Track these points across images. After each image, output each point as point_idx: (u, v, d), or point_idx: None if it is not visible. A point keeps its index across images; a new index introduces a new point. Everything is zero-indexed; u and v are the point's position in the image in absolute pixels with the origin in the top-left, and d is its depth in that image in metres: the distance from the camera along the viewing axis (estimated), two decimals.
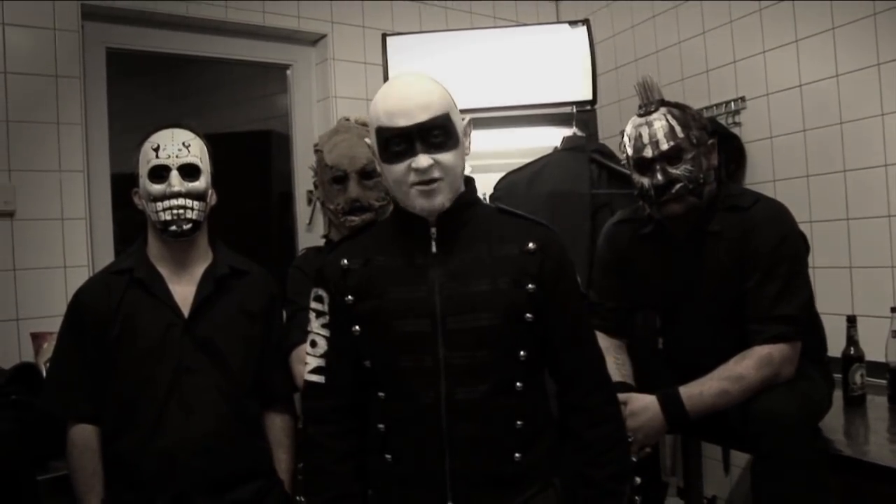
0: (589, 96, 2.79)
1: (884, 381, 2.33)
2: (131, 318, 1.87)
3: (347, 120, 2.26)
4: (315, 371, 1.61)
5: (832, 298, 2.65)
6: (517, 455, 1.50)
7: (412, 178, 1.47)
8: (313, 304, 1.62)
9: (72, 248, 2.74)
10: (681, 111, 1.99)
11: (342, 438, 1.60)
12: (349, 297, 1.55)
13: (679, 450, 2.79)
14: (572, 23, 2.87)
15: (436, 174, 1.47)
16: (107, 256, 2.79)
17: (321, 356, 1.61)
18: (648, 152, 1.96)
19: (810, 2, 2.75)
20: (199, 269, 1.97)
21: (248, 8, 3.16)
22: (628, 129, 2.03)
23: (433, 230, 1.54)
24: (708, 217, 2.00)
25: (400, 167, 1.48)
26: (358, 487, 1.59)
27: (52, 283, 2.67)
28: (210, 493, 1.81)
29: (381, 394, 1.55)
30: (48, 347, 2.32)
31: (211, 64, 3.34)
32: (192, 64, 3.31)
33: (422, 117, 1.46)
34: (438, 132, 1.48)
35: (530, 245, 1.53)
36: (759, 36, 2.96)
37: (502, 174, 2.64)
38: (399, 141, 1.47)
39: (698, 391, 1.86)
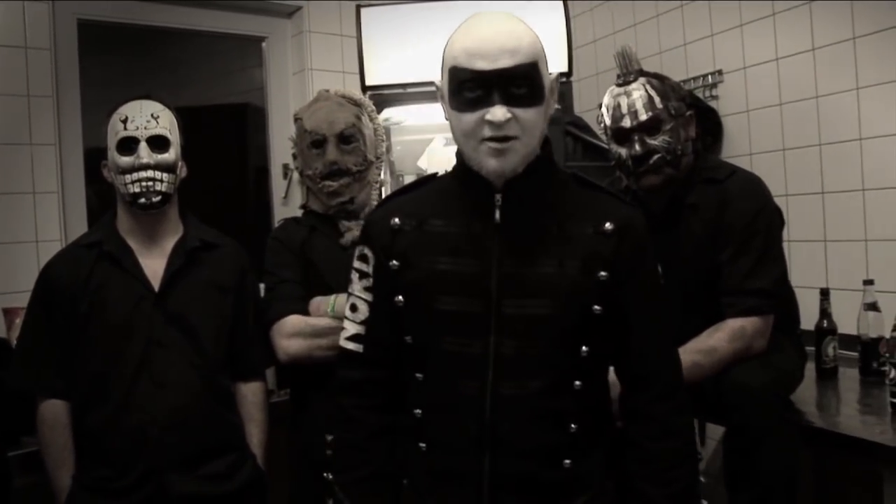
0: (564, 68, 2.76)
1: (855, 354, 2.35)
2: (101, 291, 1.84)
3: (327, 91, 2.26)
4: (353, 339, 1.46)
5: (806, 272, 2.67)
6: (567, 462, 1.33)
7: (484, 132, 1.27)
8: (357, 264, 1.47)
9: (44, 223, 2.71)
10: (660, 81, 1.97)
11: (378, 412, 1.45)
12: (394, 262, 1.38)
13: None
14: None
15: (512, 131, 1.27)
16: (80, 231, 2.71)
17: (361, 322, 1.45)
18: (627, 122, 1.94)
19: None
20: (169, 243, 1.94)
21: None
22: (606, 99, 2.01)
23: (498, 196, 1.34)
24: (685, 190, 1.99)
25: (471, 117, 1.28)
26: (392, 467, 1.44)
27: (25, 257, 2.64)
28: (182, 468, 1.80)
29: (419, 375, 1.39)
30: (20, 322, 2.29)
31: (185, 37, 3.28)
32: (167, 37, 3.25)
33: (506, 62, 1.26)
34: (522, 83, 1.28)
35: (607, 225, 1.34)
36: (737, 9, 2.95)
37: None
38: (475, 86, 1.27)
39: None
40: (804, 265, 2.68)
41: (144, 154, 1.83)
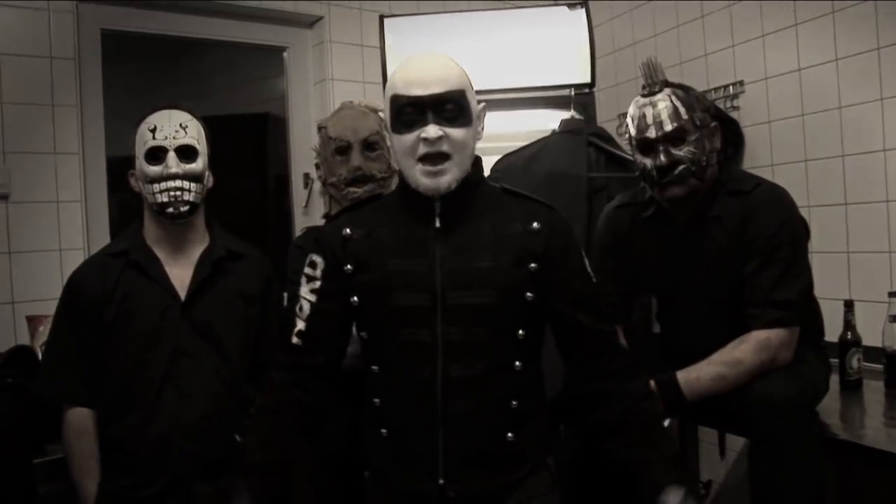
0: (587, 79, 2.75)
1: (880, 367, 2.33)
2: (127, 300, 1.85)
3: (351, 102, 2.28)
4: (297, 334, 1.60)
5: (830, 283, 2.64)
6: (510, 435, 1.50)
7: (420, 149, 1.46)
8: (306, 270, 1.62)
9: (67, 231, 2.73)
10: (685, 92, 1.97)
11: (300, 390, 1.59)
12: (348, 266, 1.55)
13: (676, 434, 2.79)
14: (571, 5, 2.83)
15: (444, 147, 1.46)
16: (102, 239, 2.77)
17: (304, 320, 1.60)
18: (652, 133, 1.93)
19: None
20: (195, 252, 1.95)
21: None
22: (632, 109, 2.01)
23: (437, 204, 1.52)
24: (709, 201, 1.98)
25: (409, 137, 1.47)
26: (299, 447, 1.64)
27: (48, 265, 2.66)
28: (206, 476, 1.80)
29: (374, 367, 1.56)
30: (44, 331, 2.30)
31: (207, 47, 3.32)
32: (189, 46, 3.28)
33: (437, 89, 1.46)
34: (452, 106, 1.47)
35: (535, 224, 1.53)
36: (759, 20, 2.94)
37: (500, 157, 2.62)
38: (412, 110, 1.47)
39: (695, 376, 1.86)
40: (827, 277, 2.65)
41: (173, 164, 1.85)
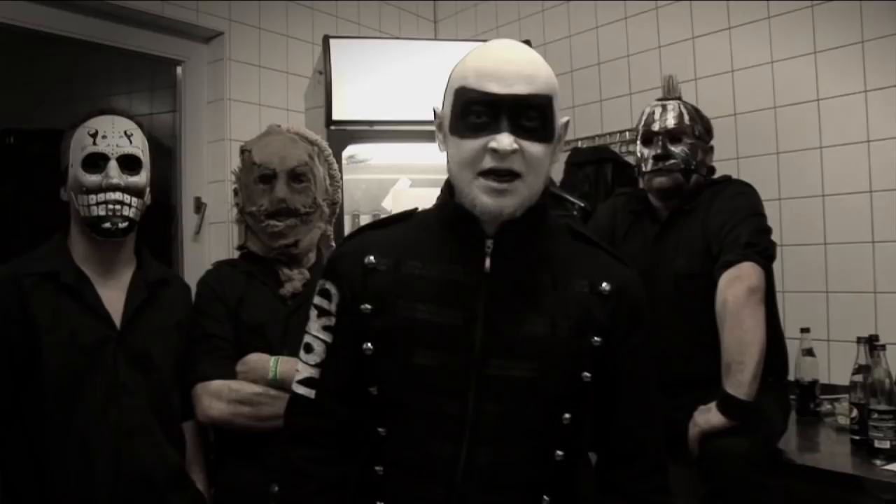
0: None
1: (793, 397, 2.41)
2: (53, 328, 1.60)
3: (279, 126, 2.14)
4: (305, 382, 1.30)
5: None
6: None
7: (485, 162, 1.17)
8: (317, 300, 1.32)
9: None
10: (694, 109, 2.25)
11: (329, 465, 1.29)
12: (367, 305, 1.25)
13: None
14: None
15: (516, 165, 1.16)
16: None
17: (315, 365, 1.30)
18: (655, 126, 2.21)
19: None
20: (125, 275, 1.76)
21: None
22: (646, 109, 2.28)
23: (489, 242, 1.23)
24: (690, 198, 2.19)
25: (473, 144, 1.17)
26: None
27: None
28: None
29: (381, 430, 1.25)
30: None
31: (89, 48, 2.96)
32: (76, 47, 2.93)
33: (521, 89, 1.16)
34: (535, 115, 1.18)
35: (604, 285, 1.24)
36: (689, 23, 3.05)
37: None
38: (483, 111, 1.17)
39: (733, 375, 1.86)
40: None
41: (114, 173, 1.66)
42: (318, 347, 1.30)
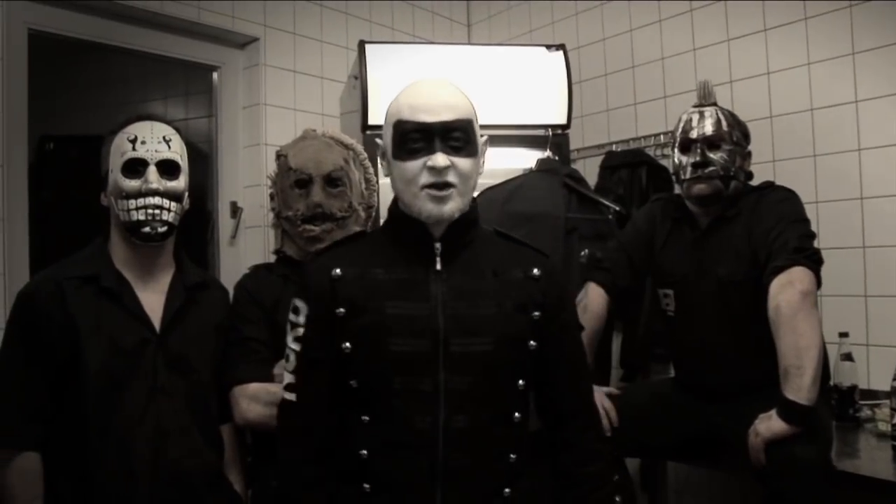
0: (564, 120, 2.84)
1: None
2: (93, 331, 1.64)
3: (314, 130, 2.16)
4: (288, 388, 1.51)
5: None
6: (507, 490, 1.44)
7: (425, 178, 1.41)
8: (290, 316, 1.52)
9: None
10: (731, 114, 2.22)
11: (312, 463, 1.47)
12: (341, 309, 1.44)
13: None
14: (548, 47, 2.94)
15: (450, 178, 1.41)
16: (21, 260, 2.47)
17: (292, 372, 1.51)
18: (693, 134, 2.17)
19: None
20: (164, 278, 1.79)
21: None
22: (683, 116, 2.25)
23: (438, 245, 1.47)
24: (730, 205, 2.17)
25: (414, 165, 1.41)
26: None
27: None
28: None
29: (364, 417, 1.43)
30: None
31: (133, 57, 3.03)
32: (112, 54, 2.99)
33: (446, 116, 1.42)
34: (460, 135, 1.43)
35: (535, 271, 1.51)
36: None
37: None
38: (418, 137, 1.41)
39: (792, 381, 1.84)
40: None
41: (153, 178, 1.68)
42: (293, 357, 1.51)
